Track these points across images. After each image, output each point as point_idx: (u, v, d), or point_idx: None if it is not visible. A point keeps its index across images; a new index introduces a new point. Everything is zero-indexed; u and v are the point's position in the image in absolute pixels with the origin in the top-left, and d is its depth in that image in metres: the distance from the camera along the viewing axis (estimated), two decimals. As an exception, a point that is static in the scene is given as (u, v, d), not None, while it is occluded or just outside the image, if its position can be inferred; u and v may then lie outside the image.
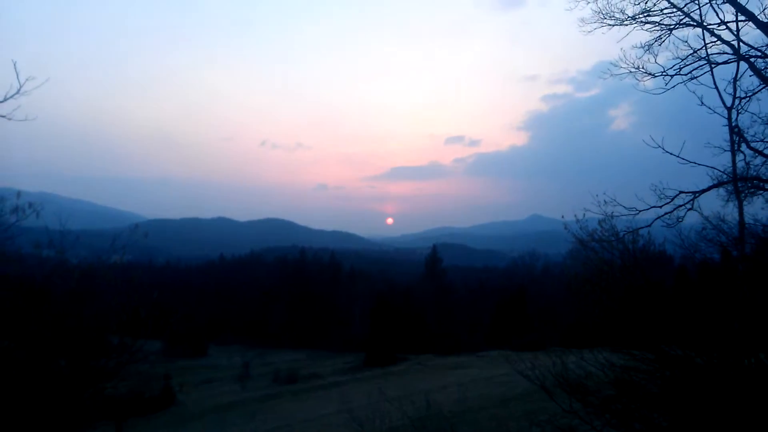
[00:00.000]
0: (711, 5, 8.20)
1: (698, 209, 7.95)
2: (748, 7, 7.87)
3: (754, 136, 8.19)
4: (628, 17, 8.74)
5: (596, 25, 9.00)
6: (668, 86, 8.66)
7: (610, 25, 8.88)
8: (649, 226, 7.96)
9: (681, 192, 8.25)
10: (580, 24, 9.17)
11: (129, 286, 9.13)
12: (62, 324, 8.46)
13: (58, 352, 8.46)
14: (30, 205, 8.30)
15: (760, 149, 8.10)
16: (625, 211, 7.93)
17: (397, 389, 19.44)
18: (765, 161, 8.09)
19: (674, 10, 8.46)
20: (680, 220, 8.13)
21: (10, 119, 6.20)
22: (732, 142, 8.03)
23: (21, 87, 5.98)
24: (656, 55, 8.72)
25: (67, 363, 8.58)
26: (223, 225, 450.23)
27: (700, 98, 8.11)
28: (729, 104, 8.03)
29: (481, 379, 19.24)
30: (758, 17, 7.78)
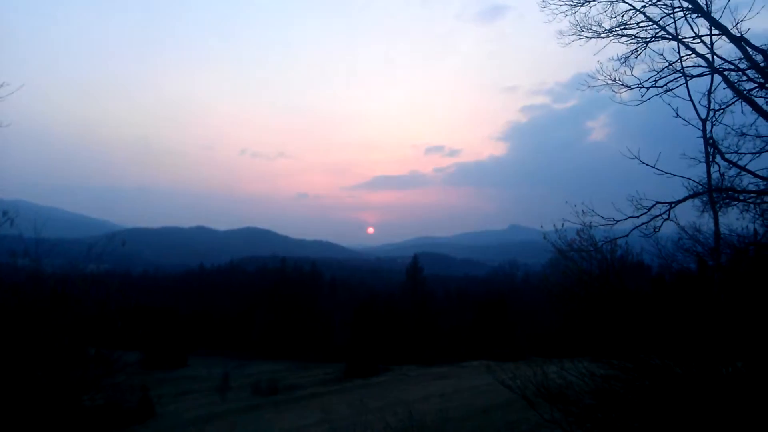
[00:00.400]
0: (686, 19, 8.38)
1: (675, 219, 8.09)
2: (721, 21, 8.05)
3: (728, 147, 8.36)
4: (605, 30, 8.88)
5: (574, 37, 9.12)
6: (644, 98, 8.80)
7: (587, 37, 9.01)
8: (627, 236, 8.06)
9: (657, 202, 8.38)
10: (558, 36, 9.29)
11: (106, 295, 8.97)
12: (38, 334, 8.28)
13: (35, 364, 8.27)
14: (4, 213, 8.12)
15: (734, 161, 8.26)
16: (603, 221, 8.03)
17: (378, 400, 19.35)
18: (739, 172, 8.25)
19: (650, 23, 8.62)
20: (657, 230, 8.24)
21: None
22: (707, 153, 8.18)
23: (-5, 93, 5.88)
24: (632, 68, 8.86)
25: (43, 374, 8.39)
26: (202, 234, 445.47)
27: (676, 110, 8.27)
28: (704, 116, 8.19)
29: (464, 390, 19.24)
30: (731, 31, 7.96)
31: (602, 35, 8.90)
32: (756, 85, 8.08)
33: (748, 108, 8.10)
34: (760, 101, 8.04)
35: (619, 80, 8.91)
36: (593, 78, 9.04)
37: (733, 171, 8.32)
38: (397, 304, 56.54)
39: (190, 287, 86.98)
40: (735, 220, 8.12)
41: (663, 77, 8.65)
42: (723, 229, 7.44)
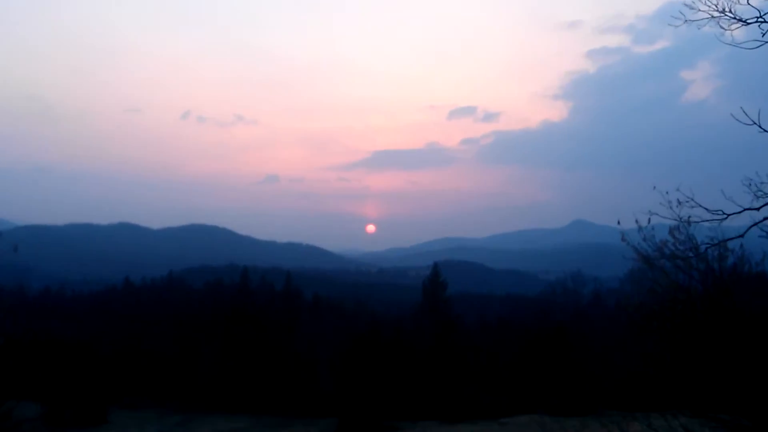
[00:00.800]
0: None
1: (812, 212, 8.03)
2: None
3: None
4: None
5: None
6: (766, 38, 8.74)
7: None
8: (742, 236, 8.00)
9: (786, 188, 8.33)
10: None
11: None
12: None
13: None
14: None
15: None
16: (708, 216, 7.98)
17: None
18: None
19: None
20: (786, 227, 8.20)
21: None
22: None
23: None
24: (749, -7, 8.79)
25: None
26: (128, 234, 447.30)
27: (813, 55, 8.21)
28: None
29: (504, 456, 19.32)
30: None
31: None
32: None
33: None
34: None
35: (730, 11, 8.84)
36: (692, 8, 8.98)
37: None
38: (409, 336, 56.64)
39: (112, 311, 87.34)
40: None
41: (794, 7, 8.59)
42: None
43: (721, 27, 8.91)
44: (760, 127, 8.04)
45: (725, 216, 8.16)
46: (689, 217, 7.44)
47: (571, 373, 44.06)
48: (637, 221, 7.30)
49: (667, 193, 7.32)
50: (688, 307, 6.51)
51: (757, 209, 8.31)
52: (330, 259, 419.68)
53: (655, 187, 7.39)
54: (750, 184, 8.33)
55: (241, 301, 68.73)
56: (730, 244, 7.57)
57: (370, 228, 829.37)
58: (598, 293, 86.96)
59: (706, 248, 7.23)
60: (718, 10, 8.83)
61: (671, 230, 7.26)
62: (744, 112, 8.07)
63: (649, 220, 7.32)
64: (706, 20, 8.93)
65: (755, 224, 8.28)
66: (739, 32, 8.96)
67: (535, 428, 25.56)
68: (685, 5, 8.99)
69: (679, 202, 7.35)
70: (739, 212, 8.29)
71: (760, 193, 8.32)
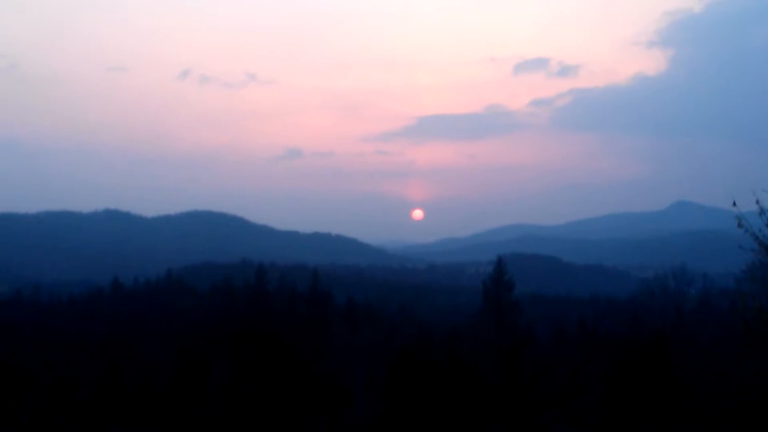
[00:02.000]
0: None
1: None
2: None
3: None
4: None
5: None
6: None
7: None
8: None
9: None
10: None
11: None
12: None
13: None
14: None
15: None
16: None
17: None
18: None
19: None
20: None
21: None
22: None
23: None
24: None
25: None
26: (115, 224, 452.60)
27: None
28: None
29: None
30: None
31: None
32: None
33: None
34: None
35: None
36: None
37: None
38: (467, 350, 56.71)
39: (97, 320, 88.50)
40: None
41: None
42: None
43: None
44: None
45: None
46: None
47: (672, 396, 43.72)
48: (758, 202, 7.22)
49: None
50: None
51: None
52: (367, 253, 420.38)
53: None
54: None
55: (257, 308, 69.23)
56: None
57: (417, 214, 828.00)
58: (708, 294, 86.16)
59: None
60: None
61: (803, 213, 7.15)
62: None
63: (774, 199, 7.23)
64: None
65: None
66: None
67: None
68: None
69: (813, 177, 7.21)
70: None
71: None
